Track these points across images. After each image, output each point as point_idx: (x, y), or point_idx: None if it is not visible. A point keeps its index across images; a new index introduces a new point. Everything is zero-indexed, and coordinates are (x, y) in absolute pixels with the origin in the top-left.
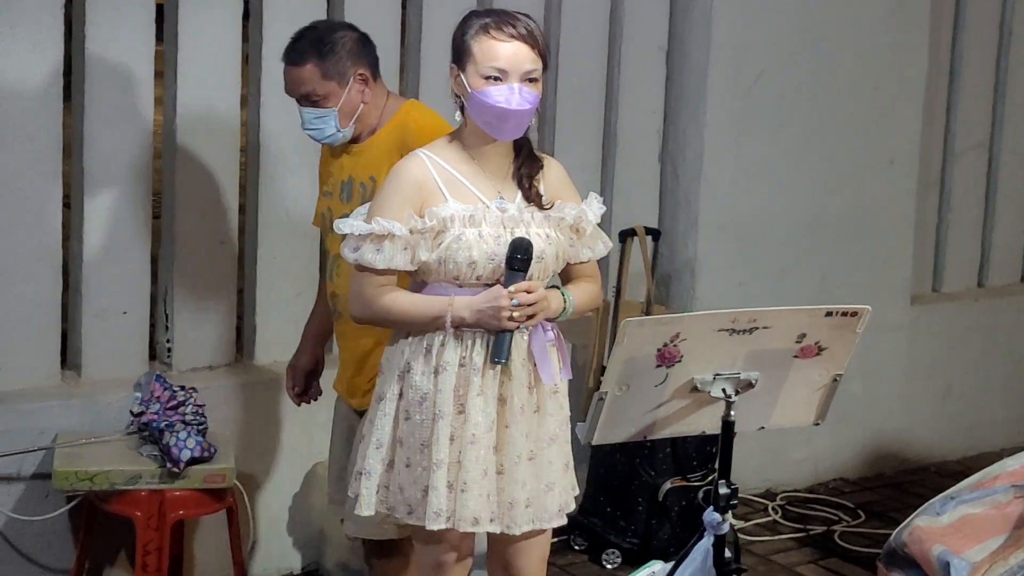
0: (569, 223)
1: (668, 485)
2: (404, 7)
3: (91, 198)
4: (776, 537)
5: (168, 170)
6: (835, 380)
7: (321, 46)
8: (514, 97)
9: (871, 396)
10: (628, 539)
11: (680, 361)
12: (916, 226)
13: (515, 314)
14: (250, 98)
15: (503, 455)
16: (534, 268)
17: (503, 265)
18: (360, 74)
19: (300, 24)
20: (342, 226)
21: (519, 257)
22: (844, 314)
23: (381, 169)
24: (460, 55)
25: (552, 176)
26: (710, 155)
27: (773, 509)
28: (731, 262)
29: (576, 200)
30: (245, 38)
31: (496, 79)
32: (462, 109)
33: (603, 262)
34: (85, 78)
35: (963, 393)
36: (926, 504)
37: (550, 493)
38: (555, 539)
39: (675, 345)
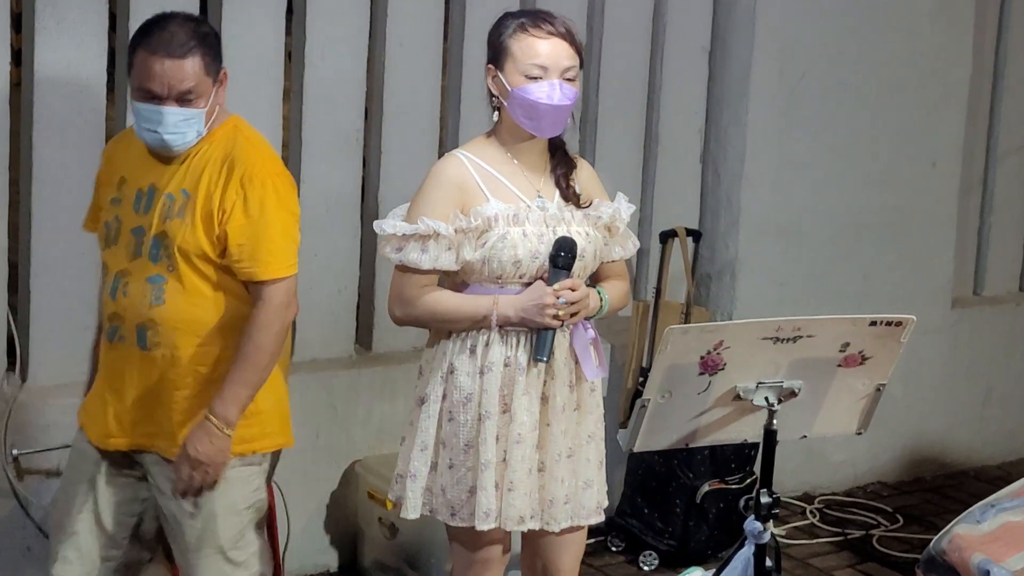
0: (605, 221)
1: (706, 487)
2: (447, 5)
3: None
4: (814, 541)
5: None
6: (878, 389)
7: (206, 38)
8: (555, 93)
9: (911, 399)
10: (665, 541)
11: (723, 369)
12: (958, 228)
13: (560, 312)
14: (293, 94)
15: (544, 453)
16: (576, 266)
17: (546, 263)
18: (224, 73)
19: (344, 22)
20: (384, 226)
21: (564, 255)
22: (889, 323)
23: (199, 184)
24: (498, 55)
25: (584, 176)
26: (752, 156)
27: (811, 512)
28: (772, 263)
29: (605, 199)
30: (288, 32)
31: (536, 77)
32: (497, 109)
33: (643, 263)
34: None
35: (1003, 397)
36: (966, 512)
37: (588, 490)
38: (592, 540)
39: (718, 353)
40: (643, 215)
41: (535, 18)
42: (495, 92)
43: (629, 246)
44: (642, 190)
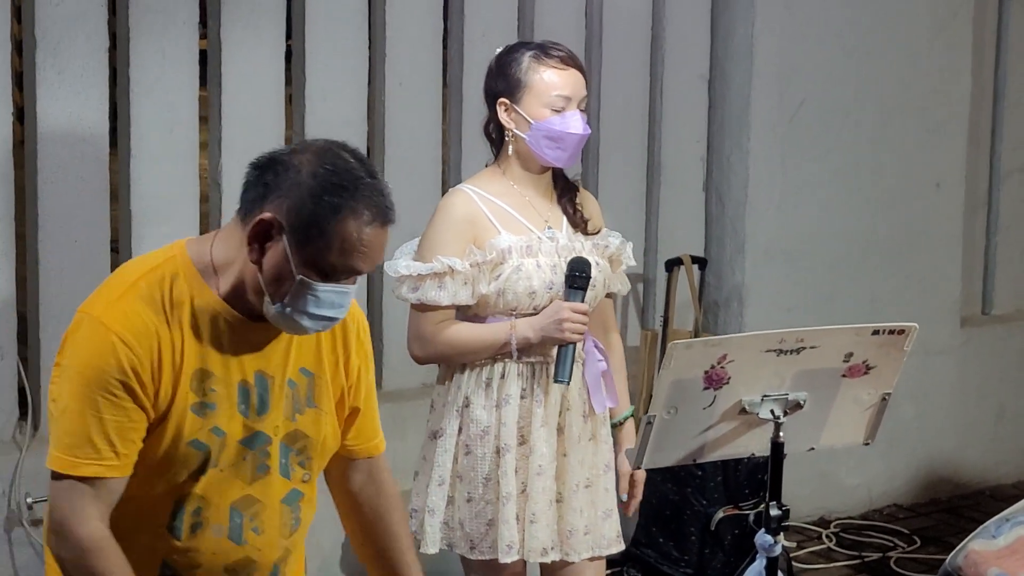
0: (611, 252)
1: (720, 514)
2: (445, 45)
3: (138, 240)
4: (831, 564)
5: (215, 211)
6: (884, 399)
7: None
8: (579, 123)
9: (923, 420)
10: (682, 569)
11: (728, 383)
12: (964, 248)
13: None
14: (294, 139)
15: (561, 483)
16: (587, 294)
17: (560, 294)
18: None
19: (343, 65)
20: (399, 268)
21: (579, 275)
22: (891, 332)
23: (321, 358)
24: (513, 88)
25: (589, 204)
26: (755, 182)
27: (827, 536)
28: (779, 288)
29: (603, 225)
30: (288, 80)
31: (561, 108)
32: (501, 144)
33: (650, 291)
34: (131, 123)
35: (1016, 415)
36: (981, 527)
37: (608, 520)
38: (609, 571)
39: (722, 367)
40: (648, 244)
41: (547, 49)
42: (510, 126)
43: (625, 283)
44: (646, 219)
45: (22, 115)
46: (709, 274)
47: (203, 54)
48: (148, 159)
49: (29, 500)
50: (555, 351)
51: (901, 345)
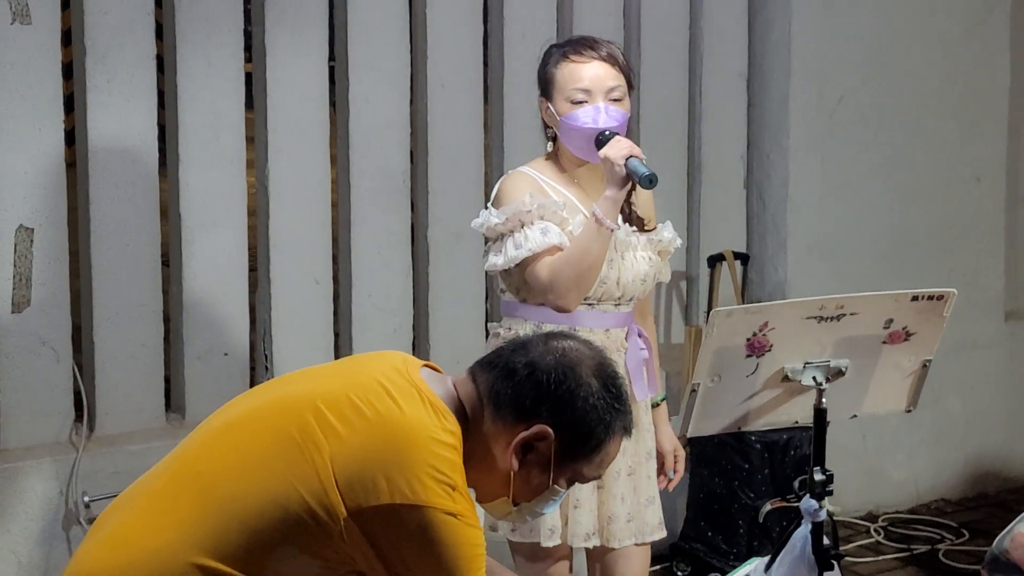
0: (664, 246)
1: (768, 507)
2: (486, 45)
3: (189, 248)
4: (880, 558)
5: (263, 224)
6: (924, 366)
7: None
8: (601, 116)
9: (969, 415)
10: (731, 563)
11: (770, 350)
12: (1006, 242)
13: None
14: (338, 140)
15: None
16: (638, 289)
17: (611, 289)
18: None
19: (384, 69)
20: (492, 218)
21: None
22: (930, 298)
23: None
24: (546, 86)
25: (642, 196)
26: (795, 178)
27: (876, 531)
28: (821, 283)
29: (654, 216)
30: (332, 104)
31: (581, 101)
32: (554, 139)
33: (693, 288)
34: (179, 130)
35: None
36: None
37: (651, 507)
38: (657, 566)
39: (764, 334)
40: (690, 241)
41: (577, 44)
42: (548, 123)
43: (668, 272)
44: (688, 217)
45: (71, 139)
46: (751, 271)
47: (248, 57)
48: (196, 166)
49: (86, 499)
50: (624, 189)
51: (940, 311)
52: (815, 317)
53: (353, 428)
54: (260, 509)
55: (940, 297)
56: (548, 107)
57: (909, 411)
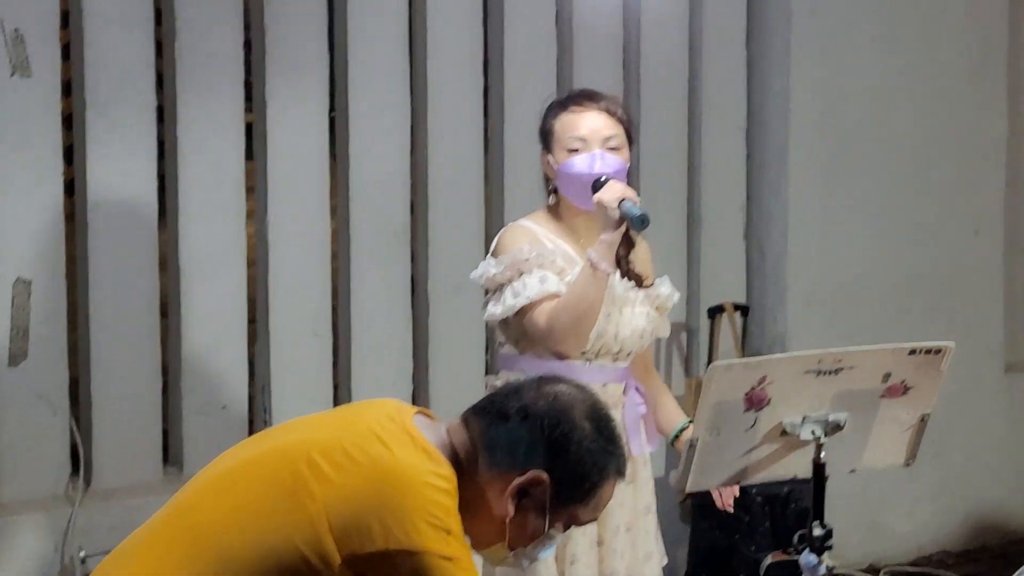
0: (661, 302)
1: (769, 559)
2: (486, 98)
3: (188, 299)
4: None
5: (262, 275)
6: (923, 420)
7: None
8: (596, 163)
9: (971, 466)
10: None
11: (769, 404)
12: (1006, 292)
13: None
14: (339, 192)
15: (602, 526)
16: (636, 345)
17: (608, 344)
18: None
19: (385, 122)
20: (490, 269)
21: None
22: (928, 352)
23: None
24: (546, 138)
25: (641, 252)
26: (794, 230)
27: None
28: (822, 335)
29: (653, 275)
30: (332, 137)
31: (576, 149)
32: (555, 192)
33: (694, 340)
34: (179, 183)
35: None
36: None
37: (648, 562)
38: None
39: (762, 388)
40: (690, 292)
41: (577, 96)
42: (548, 175)
43: (667, 327)
44: (688, 268)
45: (71, 189)
46: (751, 323)
47: (248, 107)
48: (196, 217)
49: (82, 555)
50: (619, 231)
51: (938, 365)
52: (813, 371)
53: (347, 474)
54: (255, 560)
55: (938, 351)
56: (548, 159)
57: (908, 465)
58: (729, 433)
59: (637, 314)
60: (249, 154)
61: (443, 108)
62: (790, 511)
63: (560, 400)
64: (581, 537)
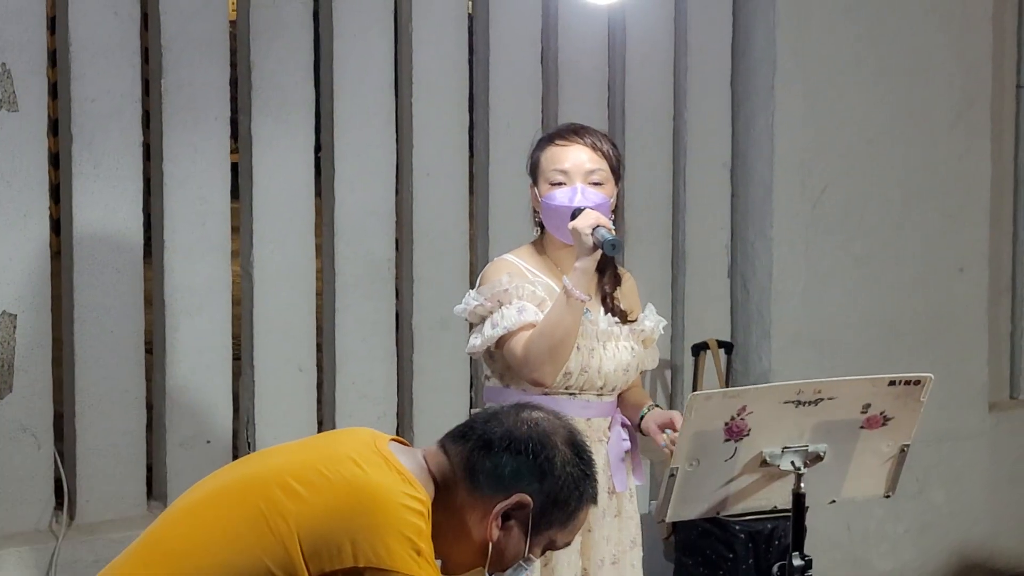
0: (647, 335)
1: None
2: (471, 134)
3: (172, 334)
4: None
5: (247, 311)
6: (903, 451)
7: None
8: (576, 196)
9: (955, 506)
10: None
11: (748, 435)
12: (990, 333)
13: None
14: (324, 227)
15: (587, 559)
16: (620, 380)
17: (592, 379)
18: None
19: (370, 157)
20: (470, 301)
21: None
22: (907, 383)
23: None
24: (533, 171)
25: (627, 287)
26: (779, 268)
27: None
28: (805, 373)
29: (639, 305)
30: (318, 193)
31: (559, 183)
32: (541, 226)
33: (678, 377)
34: (164, 216)
35: None
36: None
37: None
38: None
39: (742, 419)
40: (675, 330)
41: (564, 131)
42: (535, 208)
43: (656, 357)
44: (672, 306)
45: (57, 227)
46: (736, 360)
47: (234, 145)
48: (181, 253)
49: None
50: (593, 258)
51: (918, 396)
52: (793, 402)
53: (320, 493)
54: None
55: (917, 382)
56: (534, 192)
57: (888, 496)
58: (709, 463)
59: (621, 348)
60: (234, 194)
61: (428, 145)
62: (773, 548)
63: (541, 426)
64: (566, 569)
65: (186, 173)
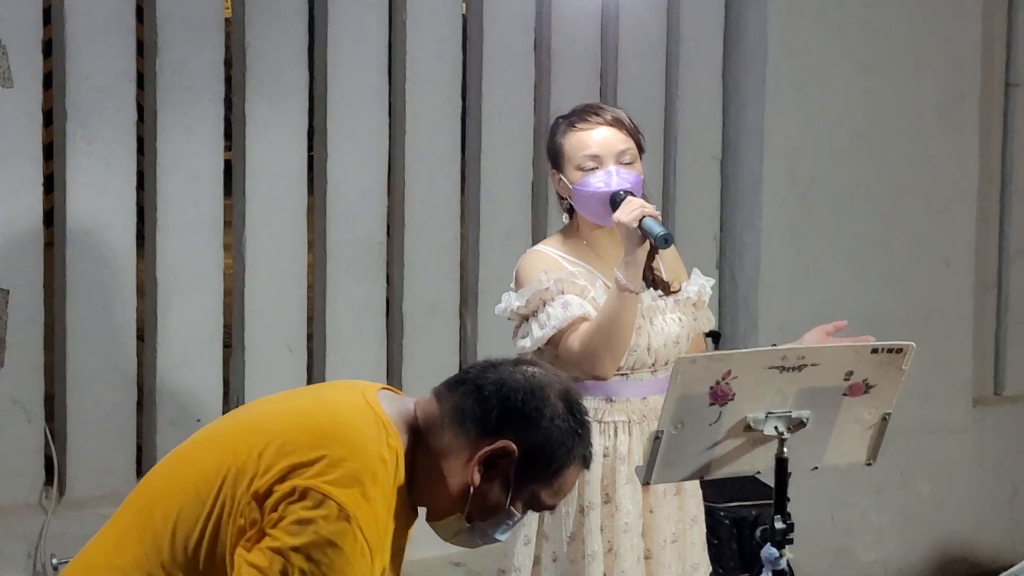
0: (693, 300)
1: None
2: (463, 121)
3: (164, 314)
4: None
5: (239, 292)
6: (884, 419)
7: None
8: (612, 179)
9: (939, 499)
10: None
11: (733, 399)
12: (975, 329)
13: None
14: (316, 210)
15: (650, 540)
16: (672, 352)
17: (642, 357)
18: None
19: (363, 141)
20: (513, 302)
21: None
22: (890, 351)
23: None
24: (556, 158)
25: (669, 255)
26: (767, 260)
27: None
28: None
29: (684, 270)
30: (311, 191)
31: (591, 168)
32: (570, 211)
33: None
34: (157, 194)
35: None
36: None
37: (696, 573)
38: None
39: (727, 383)
40: None
41: (582, 112)
42: (562, 194)
43: (711, 318)
44: None
45: (49, 219)
46: (723, 349)
47: (227, 129)
48: (174, 230)
49: (55, 561)
50: (643, 249)
51: (900, 364)
52: (777, 367)
53: (296, 426)
54: (191, 516)
55: (899, 350)
56: (560, 179)
57: (869, 464)
58: (693, 426)
59: (669, 321)
60: (228, 173)
61: (421, 130)
62: (758, 534)
63: (537, 378)
64: (629, 552)
65: (180, 152)
